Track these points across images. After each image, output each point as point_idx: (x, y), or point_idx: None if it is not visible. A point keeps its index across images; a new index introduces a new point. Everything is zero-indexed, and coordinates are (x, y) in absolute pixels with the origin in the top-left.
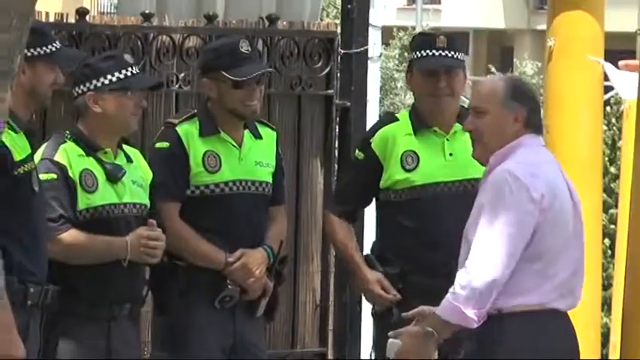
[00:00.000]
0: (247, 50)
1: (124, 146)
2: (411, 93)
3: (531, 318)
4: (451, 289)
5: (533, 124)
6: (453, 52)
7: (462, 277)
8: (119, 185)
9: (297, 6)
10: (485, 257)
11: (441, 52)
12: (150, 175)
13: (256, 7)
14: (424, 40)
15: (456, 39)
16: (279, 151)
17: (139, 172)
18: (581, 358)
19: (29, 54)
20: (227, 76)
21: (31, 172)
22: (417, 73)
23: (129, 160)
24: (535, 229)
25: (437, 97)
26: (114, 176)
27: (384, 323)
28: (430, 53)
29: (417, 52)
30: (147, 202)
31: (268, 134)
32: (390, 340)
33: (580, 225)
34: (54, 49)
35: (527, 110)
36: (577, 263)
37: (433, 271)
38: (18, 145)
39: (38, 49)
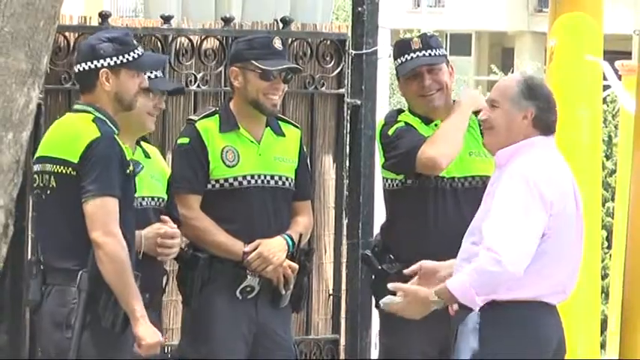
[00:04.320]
0: (279, 47)
1: (142, 143)
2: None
3: (523, 308)
4: (468, 271)
5: (542, 125)
6: (429, 51)
7: (487, 264)
8: (138, 179)
9: (309, 8)
10: (509, 253)
11: (417, 53)
12: (168, 170)
13: (271, 9)
14: (401, 46)
15: (431, 37)
16: (303, 148)
17: (156, 167)
18: (566, 345)
19: (112, 62)
20: (257, 65)
21: (134, 172)
22: (402, 79)
23: (147, 155)
24: (543, 232)
25: (427, 97)
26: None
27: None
28: (408, 57)
29: (398, 60)
30: (164, 195)
31: (292, 132)
32: (389, 297)
33: (581, 225)
34: (136, 55)
35: (536, 109)
36: (575, 264)
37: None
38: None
39: (121, 57)
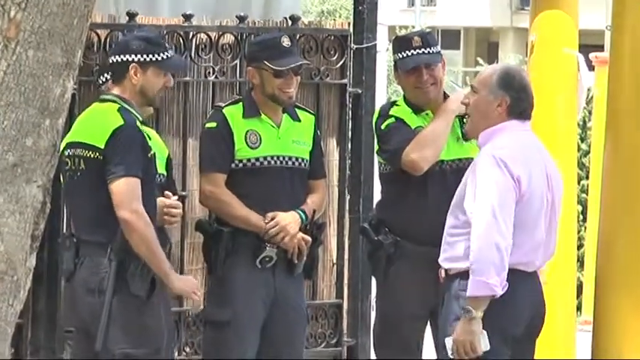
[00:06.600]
0: (287, 44)
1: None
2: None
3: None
4: (470, 267)
5: (516, 112)
6: (428, 49)
7: (474, 253)
8: None
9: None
10: (488, 229)
11: (417, 50)
12: (166, 150)
13: (238, 6)
14: (402, 42)
15: (428, 36)
16: (318, 132)
17: (156, 147)
18: (546, 308)
19: (142, 59)
20: (269, 65)
21: (155, 156)
22: (401, 72)
23: (148, 137)
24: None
25: (423, 89)
26: None
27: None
28: (409, 53)
29: (398, 54)
30: (164, 172)
31: (307, 118)
32: (446, 339)
33: (553, 199)
34: (165, 57)
35: (510, 98)
36: (543, 237)
37: (421, 238)
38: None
39: (150, 56)
